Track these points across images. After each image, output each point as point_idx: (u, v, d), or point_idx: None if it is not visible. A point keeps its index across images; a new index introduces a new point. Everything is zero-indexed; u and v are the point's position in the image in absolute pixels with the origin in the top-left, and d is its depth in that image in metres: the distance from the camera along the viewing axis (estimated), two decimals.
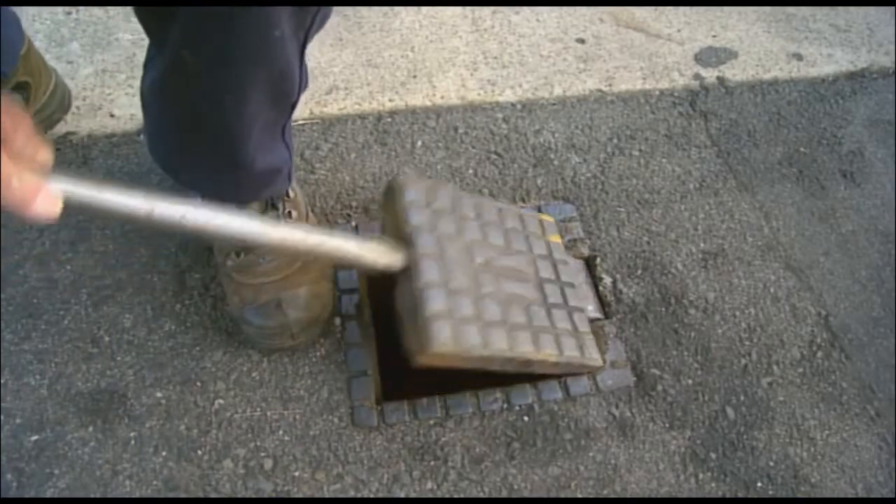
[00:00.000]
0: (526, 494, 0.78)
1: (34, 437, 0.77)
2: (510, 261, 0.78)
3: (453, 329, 0.65)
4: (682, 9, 1.34)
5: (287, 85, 0.66)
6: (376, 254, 0.66)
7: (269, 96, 0.65)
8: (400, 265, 0.68)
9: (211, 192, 0.77)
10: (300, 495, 0.76)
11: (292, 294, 0.79)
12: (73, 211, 0.48)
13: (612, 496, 0.79)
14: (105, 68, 1.10)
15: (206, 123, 0.66)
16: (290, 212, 0.82)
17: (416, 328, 0.65)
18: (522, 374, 0.80)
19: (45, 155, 0.45)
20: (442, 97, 1.14)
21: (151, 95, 0.71)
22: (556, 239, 0.88)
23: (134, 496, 0.75)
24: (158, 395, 0.81)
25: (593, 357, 0.81)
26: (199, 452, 0.78)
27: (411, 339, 0.65)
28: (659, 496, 0.79)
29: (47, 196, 0.45)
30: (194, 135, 0.69)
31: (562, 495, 0.78)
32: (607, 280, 0.95)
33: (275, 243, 0.59)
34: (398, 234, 0.71)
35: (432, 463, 0.79)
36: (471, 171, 1.04)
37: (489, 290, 0.73)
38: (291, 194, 0.84)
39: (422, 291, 0.65)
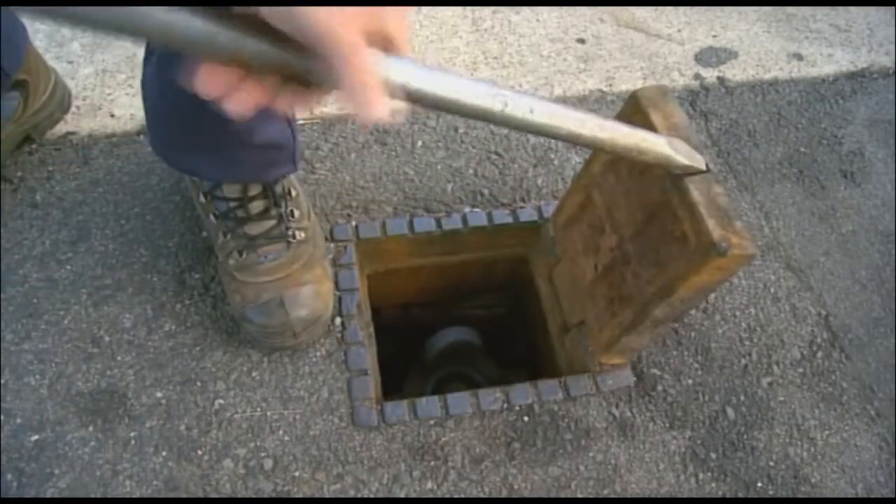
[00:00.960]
0: (526, 494, 0.78)
1: (34, 437, 0.77)
2: None
3: None
4: (682, 9, 1.34)
5: None
6: (682, 153, 0.63)
7: None
8: (701, 166, 0.65)
9: (214, 173, 0.78)
10: (300, 495, 0.76)
11: (294, 293, 0.80)
12: (414, 102, 0.42)
13: (612, 496, 0.79)
14: (105, 68, 1.10)
15: None
16: (292, 210, 0.83)
17: (732, 229, 0.63)
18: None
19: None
20: None
21: (152, 80, 0.73)
22: None
23: (134, 496, 0.75)
24: (158, 395, 0.81)
25: None
26: (199, 452, 0.78)
27: (721, 236, 0.62)
28: (659, 496, 0.79)
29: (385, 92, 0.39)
30: (191, 104, 0.70)
31: (562, 495, 0.78)
32: None
33: (590, 141, 0.54)
34: (674, 134, 0.67)
35: (432, 463, 0.79)
36: (471, 171, 1.04)
37: None
38: (293, 193, 0.84)
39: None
